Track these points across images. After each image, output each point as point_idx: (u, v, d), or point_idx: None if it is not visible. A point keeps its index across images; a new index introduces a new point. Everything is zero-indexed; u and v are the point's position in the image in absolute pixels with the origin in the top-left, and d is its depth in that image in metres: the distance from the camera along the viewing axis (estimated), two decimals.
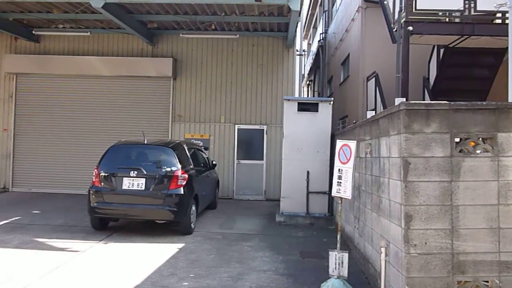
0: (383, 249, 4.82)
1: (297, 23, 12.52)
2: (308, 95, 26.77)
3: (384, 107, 8.87)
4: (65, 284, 5.58)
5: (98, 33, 14.22)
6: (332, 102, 10.15)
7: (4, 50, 14.58)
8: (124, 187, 8.18)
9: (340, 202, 5.95)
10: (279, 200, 10.50)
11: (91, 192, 8.36)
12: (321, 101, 10.22)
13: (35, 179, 14.33)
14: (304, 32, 25.39)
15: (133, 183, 8.17)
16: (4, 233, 8.29)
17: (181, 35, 13.71)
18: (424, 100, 9.61)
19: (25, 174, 14.41)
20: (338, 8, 16.07)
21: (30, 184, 14.32)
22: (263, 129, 14.03)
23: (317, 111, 10.03)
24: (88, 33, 13.87)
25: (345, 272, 5.50)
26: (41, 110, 14.42)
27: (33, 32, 14.01)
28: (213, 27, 13.72)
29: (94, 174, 8.45)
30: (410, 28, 8.08)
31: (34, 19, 13.19)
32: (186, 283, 5.70)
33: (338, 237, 5.76)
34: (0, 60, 14.47)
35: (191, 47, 14.33)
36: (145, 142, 8.86)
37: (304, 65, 24.36)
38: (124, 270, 6.24)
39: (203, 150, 11.73)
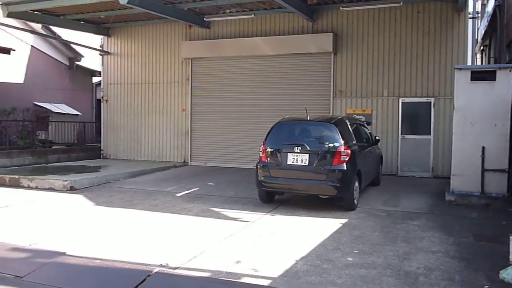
0: None
1: None
2: (482, 63, 24.14)
3: None
4: (239, 250, 6.08)
5: (261, 14, 14.76)
6: None
7: (181, 37, 16.17)
8: (289, 162, 8.49)
9: None
10: (448, 178, 9.81)
11: (258, 166, 8.87)
12: (500, 68, 9.13)
13: (209, 154, 15.80)
14: None
15: (297, 158, 8.44)
16: (186, 202, 9.37)
17: (341, 8, 13.44)
18: None
19: (200, 150, 15.98)
20: None
21: (205, 158, 15.84)
22: (431, 102, 13.13)
23: (495, 79, 9.00)
24: (252, 15, 14.52)
25: None
26: (212, 91, 15.72)
27: (204, 19, 15.17)
28: None
29: (261, 149, 8.94)
30: None
31: (204, 6, 14.28)
32: (351, 259, 5.73)
33: None
34: (178, 47, 16.11)
35: (351, 20, 13.99)
36: (308, 118, 9.01)
37: (478, 29, 21.93)
38: (290, 242, 6.54)
39: (366, 125, 11.49)
